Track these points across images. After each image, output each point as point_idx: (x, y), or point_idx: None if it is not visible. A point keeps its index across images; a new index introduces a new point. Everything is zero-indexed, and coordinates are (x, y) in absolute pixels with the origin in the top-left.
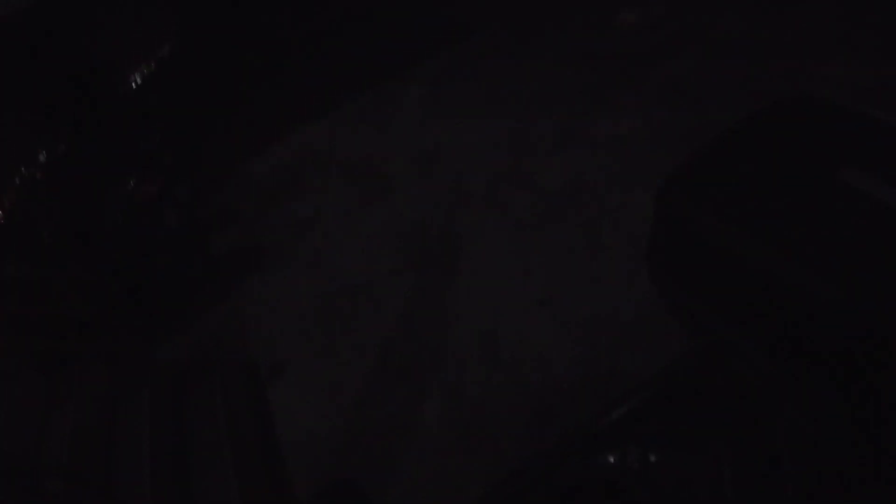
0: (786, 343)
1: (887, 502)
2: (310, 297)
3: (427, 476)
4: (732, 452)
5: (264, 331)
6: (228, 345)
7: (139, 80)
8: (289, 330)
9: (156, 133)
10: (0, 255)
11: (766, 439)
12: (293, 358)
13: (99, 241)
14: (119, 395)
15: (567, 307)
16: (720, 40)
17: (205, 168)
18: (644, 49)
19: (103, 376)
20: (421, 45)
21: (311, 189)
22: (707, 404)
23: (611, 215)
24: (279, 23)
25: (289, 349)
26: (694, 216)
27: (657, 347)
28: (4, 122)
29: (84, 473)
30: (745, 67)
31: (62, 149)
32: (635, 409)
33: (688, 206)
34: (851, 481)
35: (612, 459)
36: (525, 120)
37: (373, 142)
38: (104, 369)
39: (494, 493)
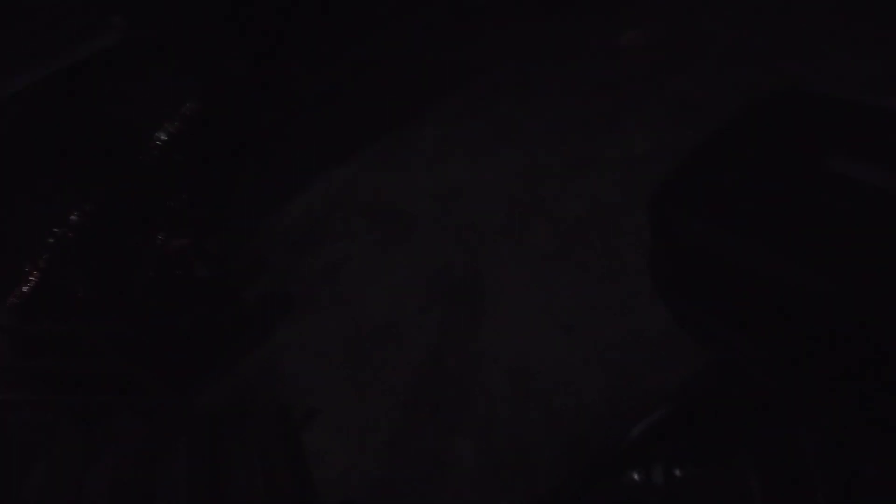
0: (797, 347)
1: None
2: (339, 341)
3: None
4: (759, 464)
5: (296, 376)
6: (262, 391)
7: (164, 139)
8: (320, 374)
9: (183, 189)
10: (36, 313)
11: (793, 449)
12: (326, 401)
13: (132, 295)
14: (156, 447)
15: (592, 333)
16: (722, 51)
17: (233, 221)
18: (648, 69)
19: (140, 429)
20: (432, 88)
21: (336, 234)
22: (731, 416)
23: (628, 237)
24: (295, 76)
25: (321, 393)
26: (686, 224)
27: (685, 365)
28: (36, 185)
29: None
30: (749, 74)
31: (92, 209)
32: (657, 425)
33: (680, 214)
34: (882, 486)
35: (636, 477)
36: (539, 151)
37: (393, 184)
38: (141, 422)
39: None
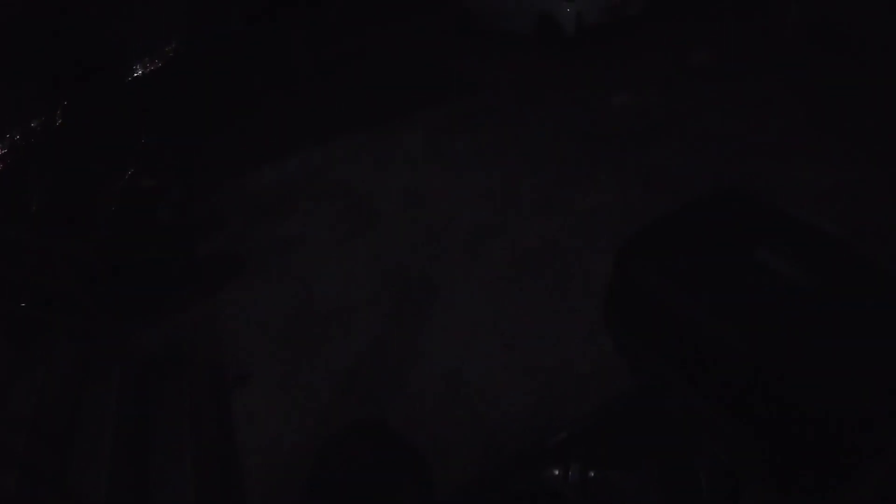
0: (710, 385)
1: None
2: (283, 314)
3: None
4: (660, 474)
5: (235, 340)
6: (198, 346)
7: (142, 73)
8: (259, 343)
9: (158, 130)
10: None
11: (689, 466)
12: (261, 369)
13: (89, 220)
14: (87, 377)
15: (529, 355)
16: (700, 133)
17: (201, 174)
18: (630, 133)
19: (73, 354)
20: (425, 95)
21: (301, 211)
22: (642, 432)
23: (579, 277)
24: (296, 46)
25: (257, 361)
26: (646, 274)
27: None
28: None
29: (39, 458)
30: (718, 161)
31: (59, 122)
32: (579, 432)
33: (642, 266)
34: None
35: (556, 472)
36: (513, 179)
37: (365, 178)
38: (75, 347)
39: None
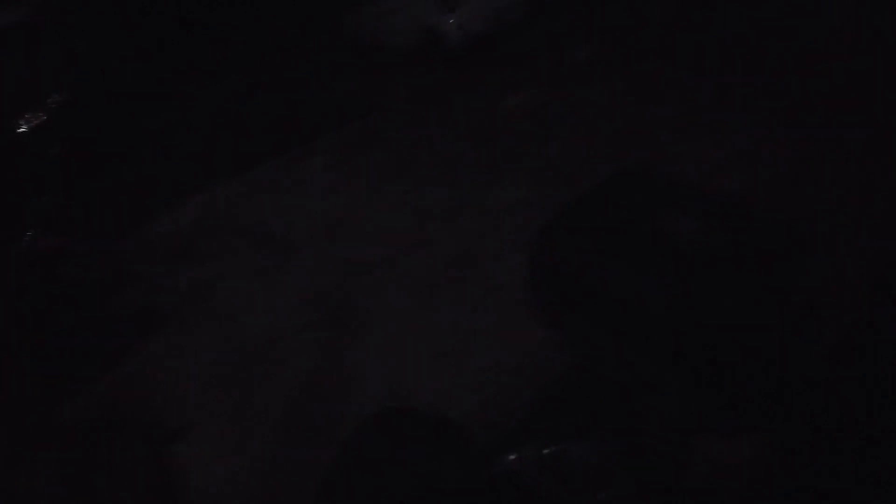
0: (644, 346)
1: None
2: (212, 360)
3: None
4: (614, 437)
5: (165, 393)
6: (128, 406)
7: (28, 128)
8: (191, 392)
9: (57, 186)
10: None
11: (640, 425)
12: (196, 420)
13: None
14: (17, 455)
15: (462, 360)
16: (594, 122)
17: (103, 226)
18: (528, 130)
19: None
20: (325, 119)
21: (213, 252)
22: (589, 403)
23: (500, 276)
24: (187, 85)
25: (191, 411)
26: (564, 256)
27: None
28: None
29: None
30: (616, 146)
31: None
32: (527, 417)
33: (559, 250)
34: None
35: (511, 457)
36: (423, 190)
37: (277, 208)
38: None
39: None
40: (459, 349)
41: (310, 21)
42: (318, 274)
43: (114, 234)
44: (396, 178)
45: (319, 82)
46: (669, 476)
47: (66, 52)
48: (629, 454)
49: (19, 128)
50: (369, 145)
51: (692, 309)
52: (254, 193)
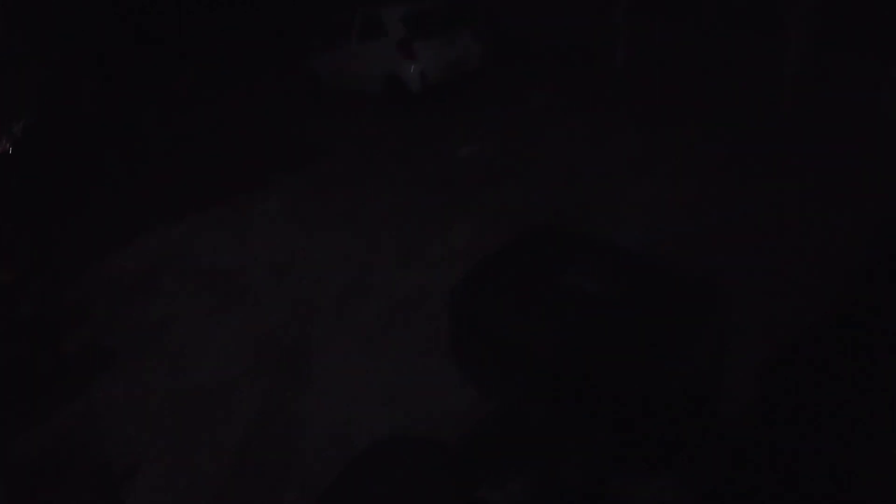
0: (559, 393)
1: None
2: (162, 401)
3: None
4: (538, 481)
5: (117, 432)
6: (79, 445)
7: None
8: (142, 432)
9: (13, 220)
10: None
11: (562, 467)
12: (148, 459)
13: None
14: None
15: (410, 405)
16: (537, 170)
17: (58, 262)
18: (476, 179)
19: None
20: (282, 161)
21: (166, 291)
22: (511, 448)
23: (444, 320)
24: (146, 121)
25: (141, 452)
26: (474, 309)
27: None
28: None
29: None
30: (553, 193)
31: None
32: (457, 462)
33: (470, 302)
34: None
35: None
36: (373, 237)
37: (229, 249)
38: None
39: None
40: (406, 395)
41: (274, 62)
42: (267, 317)
43: (68, 270)
44: (346, 223)
45: (279, 123)
46: None
47: (28, 82)
48: (547, 493)
49: None
50: (323, 189)
51: (595, 357)
52: (206, 234)
